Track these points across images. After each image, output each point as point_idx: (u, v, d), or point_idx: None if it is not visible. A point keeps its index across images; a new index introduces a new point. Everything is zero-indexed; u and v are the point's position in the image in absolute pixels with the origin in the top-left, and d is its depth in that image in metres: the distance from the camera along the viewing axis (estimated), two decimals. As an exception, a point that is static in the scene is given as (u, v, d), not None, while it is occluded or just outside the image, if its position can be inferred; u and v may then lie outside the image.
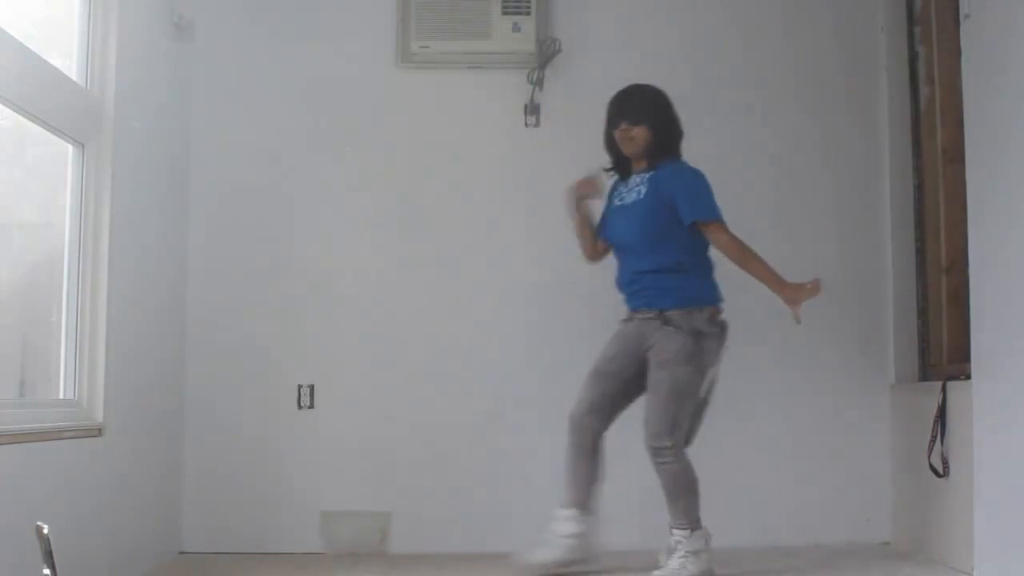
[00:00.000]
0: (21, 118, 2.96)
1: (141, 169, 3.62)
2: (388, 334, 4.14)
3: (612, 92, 4.21)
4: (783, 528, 4.02)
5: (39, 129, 3.08)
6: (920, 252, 4.06)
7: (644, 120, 3.47)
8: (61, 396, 3.22)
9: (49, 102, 3.04)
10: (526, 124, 4.21)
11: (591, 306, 4.14)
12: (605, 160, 3.94)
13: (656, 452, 3.34)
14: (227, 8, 4.24)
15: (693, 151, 4.14)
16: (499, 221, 4.21)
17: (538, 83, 4.17)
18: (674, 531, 3.35)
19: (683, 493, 3.35)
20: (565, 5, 4.25)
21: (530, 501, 4.04)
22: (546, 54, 4.17)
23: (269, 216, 4.19)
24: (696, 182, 3.45)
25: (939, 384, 3.56)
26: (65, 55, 3.30)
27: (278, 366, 4.12)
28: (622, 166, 3.59)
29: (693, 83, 4.23)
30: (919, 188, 4.09)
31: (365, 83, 4.25)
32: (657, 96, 3.53)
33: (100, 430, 3.24)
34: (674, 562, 3.32)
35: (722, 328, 3.45)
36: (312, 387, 4.12)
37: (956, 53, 3.39)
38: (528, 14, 4.17)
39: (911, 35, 4.15)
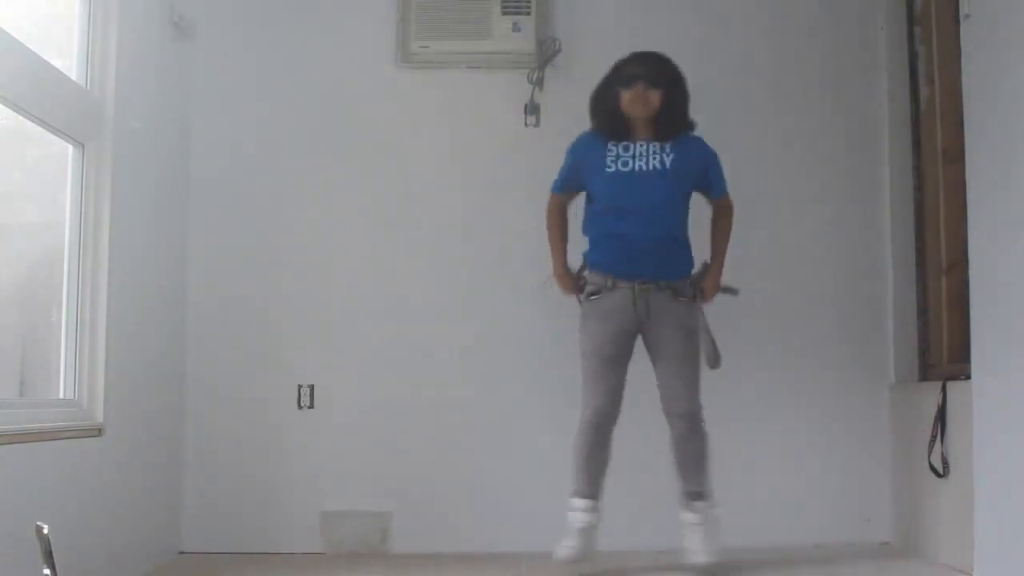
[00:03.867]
0: (21, 118, 2.96)
1: (141, 169, 3.62)
2: (388, 334, 4.14)
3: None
4: (783, 528, 4.02)
5: (39, 129, 3.08)
6: (920, 252, 4.06)
7: (664, 85, 3.43)
8: (61, 396, 3.22)
9: (49, 102, 3.04)
10: (526, 124, 4.20)
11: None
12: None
13: (694, 418, 3.40)
14: (227, 8, 4.24)
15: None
16: (499, 221, 4.21)
17: (538, 83, 4.17)
18: (698, 503, 3.42)
19: (708, 458, 3.45)
20: (565, 5, 4.25)
21: (531, 501, 4.05)
22: (546, 54, 4.17)
23: (269, 216, 4.19)
24: (719, 160, 3.56)
25: (939, 384, 3.56)
26: (65, 55, 3.30)
27: (278, 366, 4.12)
28: (615, 127, 3.49)
29: (692, 83, 4.21)
30: (919, 188, 4.09)
31: (365, 83, 4.25)
32: (678, 68, 3.52)
33: (100, 430, 3.24)
34: (711, 540, 3.40)
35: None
36: (312, 387, 4.12)
37: (956, 53, 3.39)
38: (528, 14, 4.17)
39: (911, 35, 4.14)
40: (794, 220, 4.22)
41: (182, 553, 4.00)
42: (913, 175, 4.12)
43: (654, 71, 3.45)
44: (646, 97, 3.41)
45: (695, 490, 3.43)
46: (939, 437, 3.51)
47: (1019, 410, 2.91)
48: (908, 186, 4.13)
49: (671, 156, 3.44)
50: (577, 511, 3.44)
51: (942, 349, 3.90)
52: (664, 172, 3.42)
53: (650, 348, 3.46)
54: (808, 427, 4.13)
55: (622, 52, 4.23)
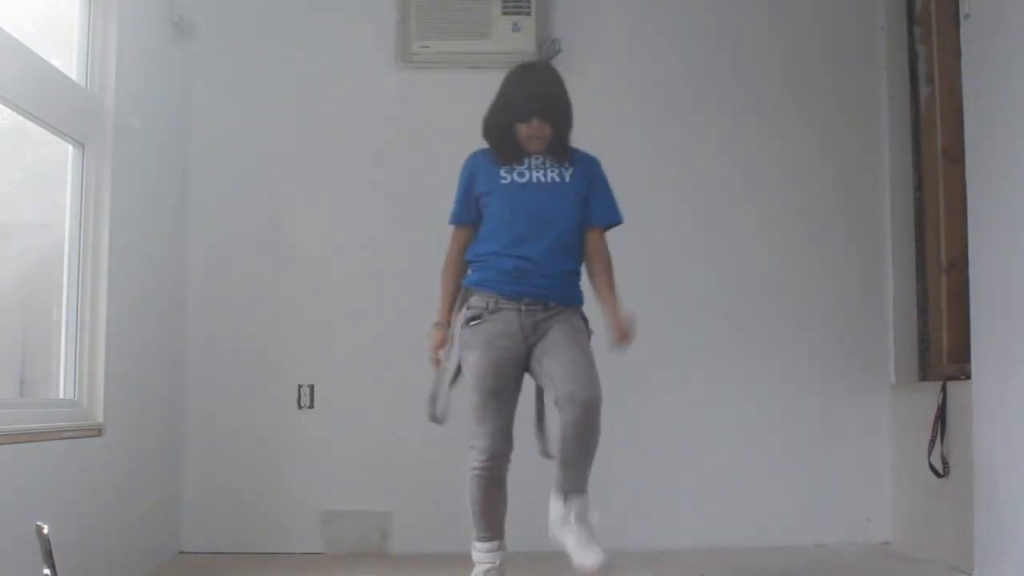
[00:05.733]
0: (21, 118, 2.96)
1: (141, 169, 3.62)
2: (388, 334, 4.13)
3: (612, 93, 4.23)
4: (783, 528, 4.02)
5: (39, 129, 3.08)
6: (920, 252, 4.06)
7: (560, 124, 3.13)
8: (61, 396, 3.22)
9: (49, 102, 3.03)
10: (526, 124, 4.20)
11: (591, 306, 4.14)
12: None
13: (594, 408, 2.93)
14: (227, 8, 4.24)
15: (694, 150, 4.16)
16: (499, 221, 4.20)
17: (538, 83, 4.17)
18: (576, 496, 3.03)
19: (594, 455, 3.03)
20: (565, 5, 4.25)
21: (529, 501, 4.04)
22: (546, 54, 4.17)
23: (269, 216, 4.19)
24: (608, 184, 3.22)
25: (939, 384, 3.56)
26: (65, 55, 3.30)
27: (278, 366, 4.12)
28: (510, 152, 3.15)
29: (693, 83, 4.24)
30: (919, 188, 4.10)
31: (365, 83, 4.25)
32: (566, 92, 3.16)
33: (100, 430, 3.24)
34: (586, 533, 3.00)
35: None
36: (312, 387, 4.12)
37: (956, 53, 3.39)
38: (528, 14, 4.17)
39: (911, 35, 4.15)
40: (794, 220, 4.22)
41: (182, 553, 4.00)
42: (913, 175, 4.12)
43: (549, 106, 3.12)
44: (542, 132, 3.10)
45: (577, 487, 3.04)
46: (939, 437, 3.51)
47: (1019, 410, 2.91)
48: (908, 186, 4.13)
49: (569, 171, 3.14)
50: (483, 553, 3.14)
51: (942, 349, 3.90)
52: (564, 185, 3.11)
53: (536, 358, 3.04)
54: (808, 427, 4.13)
55: (622, 52, 4.26)
